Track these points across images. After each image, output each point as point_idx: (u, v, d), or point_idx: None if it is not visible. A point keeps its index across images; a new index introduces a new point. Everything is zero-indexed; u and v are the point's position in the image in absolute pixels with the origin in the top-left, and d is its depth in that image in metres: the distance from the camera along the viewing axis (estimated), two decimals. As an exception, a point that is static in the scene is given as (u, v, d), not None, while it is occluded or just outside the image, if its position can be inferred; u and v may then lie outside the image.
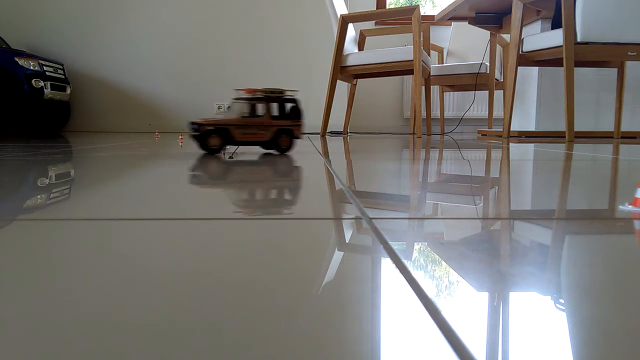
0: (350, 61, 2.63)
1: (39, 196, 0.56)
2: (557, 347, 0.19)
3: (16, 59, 2.94)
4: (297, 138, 1.31)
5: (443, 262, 0.31)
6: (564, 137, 2.62)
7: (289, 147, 1.30)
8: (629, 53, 2.21)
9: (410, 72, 2.69)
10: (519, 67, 2.56)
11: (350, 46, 2.76)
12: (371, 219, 0.44)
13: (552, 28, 2.47)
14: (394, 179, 0.74)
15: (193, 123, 1.25)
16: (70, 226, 0.40)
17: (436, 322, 0.21)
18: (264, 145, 1.28)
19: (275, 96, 1.28)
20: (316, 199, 0.55)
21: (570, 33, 2.17)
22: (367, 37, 3.41)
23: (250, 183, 0.68)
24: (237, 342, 0.19)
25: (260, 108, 1.27)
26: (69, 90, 3.39)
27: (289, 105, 1.29)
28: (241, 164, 0.99)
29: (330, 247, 0.34)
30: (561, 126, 2.74)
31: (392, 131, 3.90)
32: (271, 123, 1.27)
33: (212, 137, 1.24)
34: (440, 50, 3.58)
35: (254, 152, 1.34)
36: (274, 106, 1.28)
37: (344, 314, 0.22)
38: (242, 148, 1.51)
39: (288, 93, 1.30)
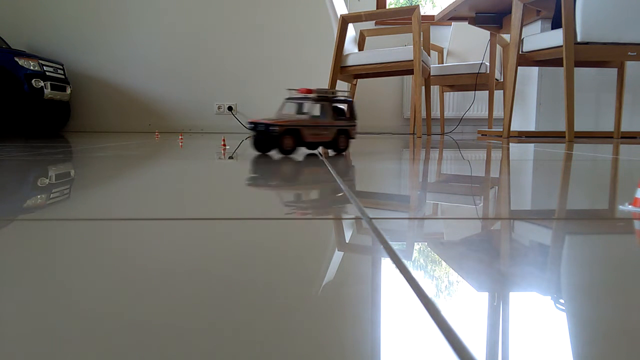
0: (350, 61, 2.63)
1: (39, 196, 0.56)
2: (557, 347, 0.19)
3: (16, 59, 2.94)
4: (352, 138, 1.32)
5: (443, 262, 0.31)
6: (564, 137, 2.62)
7: (346, 147, 1.31)
8: (629, 53, 2.21)
9: (410, 72, 2.69)
10: (519, 67, 2.56)
11: (350, 46, 2.76)
12: (371, 219, 0.44)
13: (552, 28, 2.47)
14: (394, 178, 0.74)
15: (258, 123, 1.20)
16: (70, 226, 0.40)
17: (436, 322, 0.21)
18: (326, 145, 1.27)
19: (336, 97, 1.29)
20: (316, 198, 0.55)
21: (570, 33, 2.17)
22: (367, 37, 3.40)
23: (251, 183, 0.68)
24: (238, 341, 0.19)
25: (321, 109, 1.26)
26: (69, 90, 3.39)
27: (344, 106, 1.31)
28: (243, 163, 0.99)
29: (330, 247, 0.34)
30: (561, 126, 2.74)
31: (392, 131, 3.90)
32: (333, 124, 1.26)
33: (287, 137, 1.18)
34: (440, 50, 3.58)
35: (260, 152, 1.34)
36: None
37: (344, 314, 0.22)
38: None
39: (342, 94, 1.31)
